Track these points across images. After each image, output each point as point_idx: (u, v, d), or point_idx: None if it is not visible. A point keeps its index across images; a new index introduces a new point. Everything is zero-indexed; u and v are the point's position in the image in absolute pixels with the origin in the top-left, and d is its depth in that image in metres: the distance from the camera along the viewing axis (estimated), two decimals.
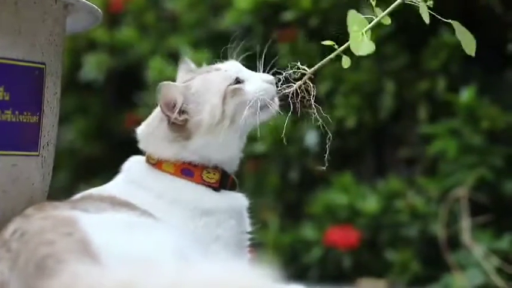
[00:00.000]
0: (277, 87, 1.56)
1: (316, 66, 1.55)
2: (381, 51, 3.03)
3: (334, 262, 3.03)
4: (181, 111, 1.56)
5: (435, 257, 2.81)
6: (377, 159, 3.38)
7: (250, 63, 1.63)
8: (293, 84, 1.55)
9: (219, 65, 1.65)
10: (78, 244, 1.26)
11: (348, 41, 1.47)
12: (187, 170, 1.59)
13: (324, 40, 1.55)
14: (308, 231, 3.09)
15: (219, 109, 1.56)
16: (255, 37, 3.25)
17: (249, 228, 1.64)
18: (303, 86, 1.54)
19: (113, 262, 1.23)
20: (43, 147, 1.55)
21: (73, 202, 1.50)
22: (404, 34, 3.03)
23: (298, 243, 3.12)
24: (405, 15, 2.88)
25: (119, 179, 1.63)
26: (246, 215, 1.64)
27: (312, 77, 1.54)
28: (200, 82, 1.60)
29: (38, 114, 1.52)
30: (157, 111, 1.63)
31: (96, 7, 1.63)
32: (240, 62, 1.65)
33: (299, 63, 1.56)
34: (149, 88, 3.52)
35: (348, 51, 1.50)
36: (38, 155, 1.54)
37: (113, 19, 4.06)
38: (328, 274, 3.03)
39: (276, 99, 1.59)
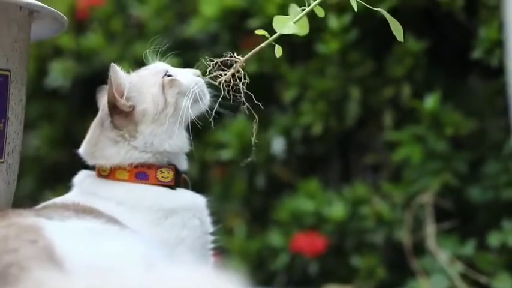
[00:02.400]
0: (211, 73, 1.57)
1: (248, 55, 1.57)
2: (346, 59, 3.05)
3: (300, 268, 3.04)
4: (127, 99, 1.58)
5: (400, 263, 2.83)
6: (343, 166, 3.39)
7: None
8: (227, 72, 1.57)
9: (146, 67, 1.69)
10: (42, 251, 1.25)
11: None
12: (142, 173, 1.59)
13: (288, 45, 1.57)
14: (275, 238, 3.09)
15: (161, 98, 1.59)
16: (221, 44, 3.25)
17: (211, 229, 1.64)
18: (236, 74, 1.56)
19: (78, 269, 1.23)
20: (8, 154, 1.54)
21: (37, 210, 1.49)
22: (368, 41, 3.04)
23: (265, 250, 3.12)
24: (369, 23, 2.90)
25: (75, 192, 1.62)
26: (206, 213, 1.65)
27: (244, 65, 1.56)
28: (136, 77, 1.64)
29: (2, 121, 1.51)
30: (92, 125, 1.64)
31: (61, 14, 1.63)
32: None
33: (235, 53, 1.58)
34: None
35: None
36: (2, 162, 1.53)
37: (79, 26, 4.03)
38: (295, 280, 3.04)
39: (207, 92, 1.63)
